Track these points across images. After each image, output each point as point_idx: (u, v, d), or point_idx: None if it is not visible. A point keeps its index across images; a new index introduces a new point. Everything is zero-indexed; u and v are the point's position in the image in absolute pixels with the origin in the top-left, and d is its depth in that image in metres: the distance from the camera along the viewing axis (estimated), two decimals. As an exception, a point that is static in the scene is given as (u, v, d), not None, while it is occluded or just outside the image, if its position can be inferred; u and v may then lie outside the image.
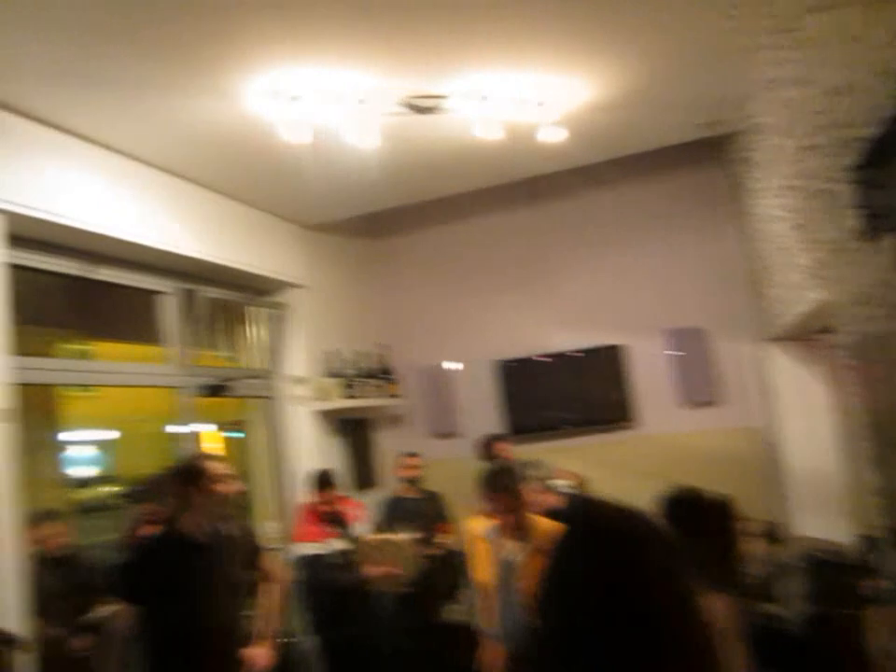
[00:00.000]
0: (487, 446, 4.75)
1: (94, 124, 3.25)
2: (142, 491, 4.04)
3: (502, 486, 2.96)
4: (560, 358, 5.66)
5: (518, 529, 2.90)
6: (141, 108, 3.16)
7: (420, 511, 4.71)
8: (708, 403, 5.31)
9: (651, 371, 5.46)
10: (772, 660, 4.13)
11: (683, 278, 5.38)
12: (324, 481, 4.11)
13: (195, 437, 4.15)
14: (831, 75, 2.20)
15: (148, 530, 3.99)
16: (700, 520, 2.25)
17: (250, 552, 3.08)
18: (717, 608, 2.09)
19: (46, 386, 5.12)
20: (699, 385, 5.31)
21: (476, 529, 3.17)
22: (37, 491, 5.08)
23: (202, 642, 2.71)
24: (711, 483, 5.20)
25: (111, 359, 4.78)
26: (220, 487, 2.82)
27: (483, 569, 3.08)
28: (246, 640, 2.94)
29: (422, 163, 4.22)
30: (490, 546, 3.05)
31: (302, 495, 4.60)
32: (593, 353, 5.57)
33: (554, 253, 5.76)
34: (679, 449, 5.22)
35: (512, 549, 2.93)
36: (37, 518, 3.81)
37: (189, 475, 2.83)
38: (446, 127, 3.67)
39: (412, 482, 4.79)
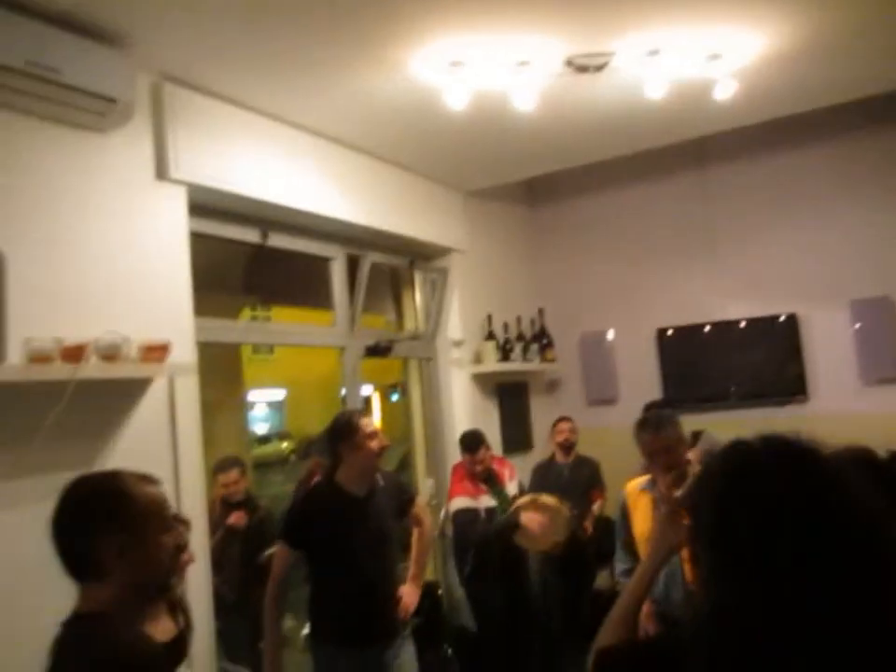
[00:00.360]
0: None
1: (270, 100, 3.44)
2: (309, 447, 4.35)
3: (664, 432, 2.77)
4: (726, 327, 5.40)
5: (681, 479, 2.74)
6: (315, 84, 3.31)
7: (573, 476, 4.71)
8: (894, 380, 4.88)
9: (829, 344, 5.09)
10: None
11: (870, 244, 4.95)
12: (473, 441, 4.20)
13: (360, 397, 4.37)
14: None
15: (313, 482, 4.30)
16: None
17: (402, 500, 3.23)
18: None
19: (228, 349, 5.60)
20: (884, 359, 4.88)
21: (634, 486, 3.04)
22: (221, 445, 5.59)
23: (358, 588, 2.89)
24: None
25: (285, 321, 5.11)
26: (369, 443, 2.94)
27: (643, 521, 2.90)
28: (399, 583, 3.15)
29: (584, 126, 4.12)
30: (651, 498, 2.87)
31: (458, 454, 4.73)
32: (764, 322, 5.27)
33: (723, 217, 5.48)
34: (858, 429, 4.78)
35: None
36: (222, 465, 4.20)
37: (340, 432, 2.98)
38: (611, 87, 3.55)
39: (565, 447, 4.81)
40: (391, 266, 4.89)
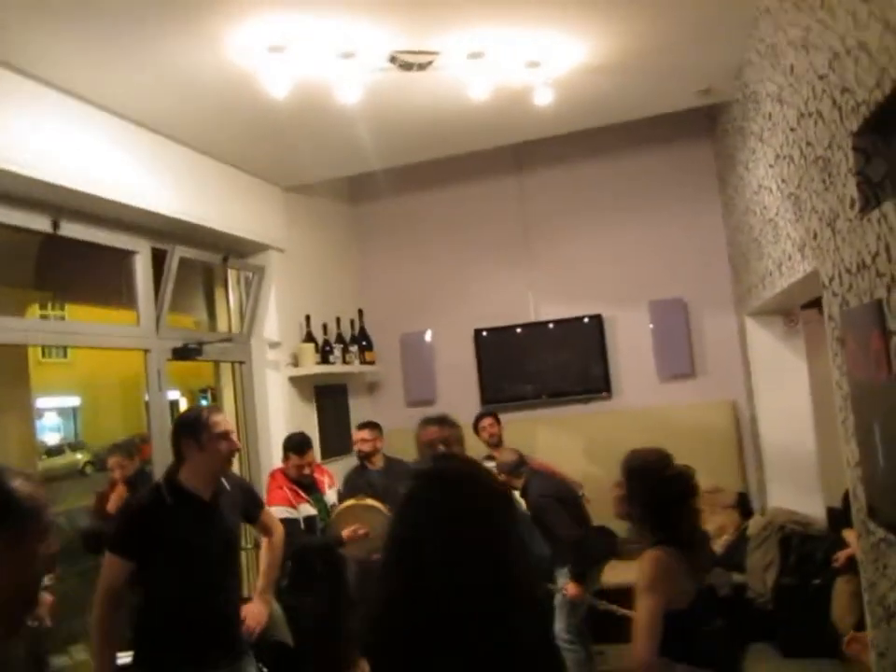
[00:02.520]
0: (474, 423, 4.71)
1: (66, 73, 3.07)
2: (112, 448, 3.99)
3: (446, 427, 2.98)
4: (539, 328, 5.63)
5: None
6: (116, 52, 2.97)
7: (386, 482, 4.64)
8: (687, 376, 5.33)
9: (630, 343, 5.46)
10: (740, 629, 4.20)
11: (667, 250, 5.37)
12: (303, 442, 4.04)
13: (166, 403, 4.05)
14: (838, 38, 2.14)
15: (118, 492, 3.93)
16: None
17: (250, 507, 2.98)
18: (647, 559, 2.16)
19: (13, 350, 4.98)
20: (678, 357, 5.31)
21: None
22: (3, 458, 4.96)
23: (198, 601, 2.60)
24: (687, 456, 5.25)
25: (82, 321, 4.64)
26: (219, 444, 2.66)
27: None
28: (243, 598, 2.91)
29: (408, 124, 4.10)
30: None
31: (275, 460, 4.54)
32: (572, 323, 5.54)
33: (537, 222, 5.71)
34: (656, 422, 5.22)
35: None
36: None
37: (186, 428, 2.67)
38: (435, 86, 3.55)
39: (362, 455, 4.62)
40: (202, 262, 4.58)
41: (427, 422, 3.02)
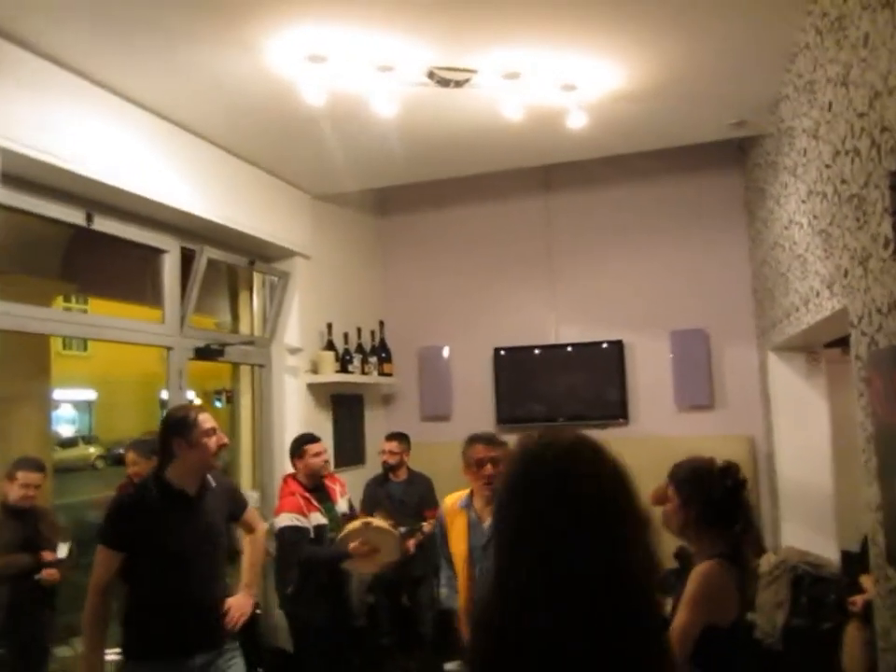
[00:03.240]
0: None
1: (108, 68, 3.12)
2: (132, 445, 4.00)
3: (496, 445, 3.01)
4: (558, 350, 5.61)
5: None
6: (158, 55, 3.04)
7: (405, 495, 4.64)
8: (705, 407, 5.28)
9: (649, 371, 5.42)
10: (747, 669, 4.13)
11: (691, 279, 5.34)
12: (312, 436, 4.06)
13: (184, 402, 4.07)
14: (879, 76, 2.14)
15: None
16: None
17: (234, 505, 3.06)
18: (700, 571, 2.12)
19: (36, 340, 5.05)
20: (697, 388, 5.27)
21: (453, 502, 3.18)
22: (17, 445, 5.01)
23: (183, 591, 2.69)
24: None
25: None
26: (207, 440, 2.75)
27: (459, 541, 3.05)
28: (229, 591, 2.96)
29: (440, 140, 4.13)
30: (467, 516, 3.06)
31: (288, 465, 4.55)
32: (592, 347, 5.52)
33: (562, 243, 5.70)
34: (672, 451, 5.08)
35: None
36: (25, 464, 3.75)
37: (174, 426, 2.76)
38: (470, 104, 3.58)
39: (387, 467, 4.68)
40: (229, 264, 4.63)
41: (475, 440, 3.07)
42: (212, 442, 2.77)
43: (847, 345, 2.81)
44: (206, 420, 2.78)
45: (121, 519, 2.73)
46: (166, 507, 2.71)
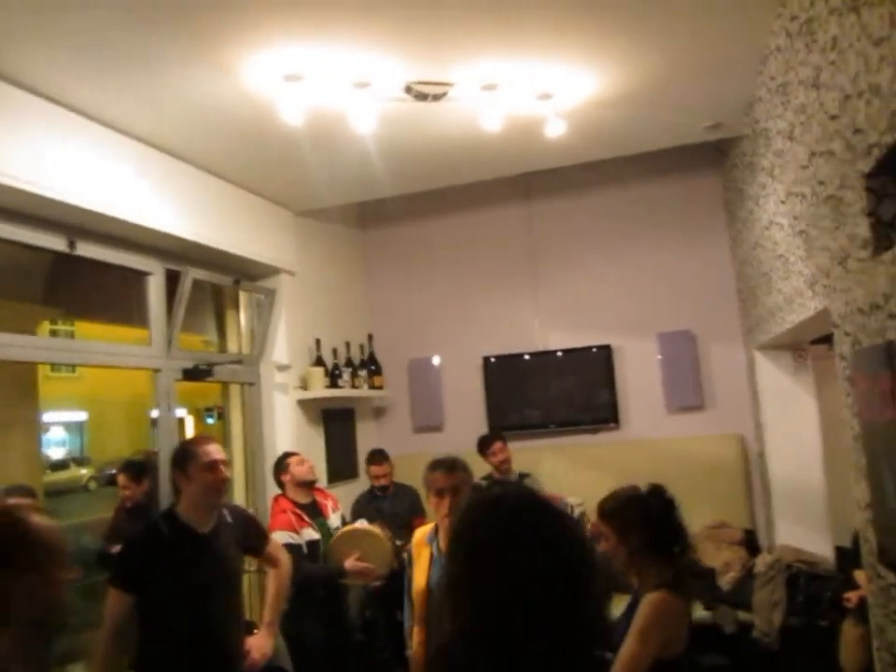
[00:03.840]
0: (484, 444, 4.71)
1: (85, 94, 3.12)
2: (121, 469, 3.98)
3: (457, 472, 2.78)
4: (547, 357, 5.62)
5: None
6: (135, 79, 3.03)
7: (394, 508, 4.65)
8: (695, 408, 5.30)
9: (638, 374, 5.44)
10: (744, 668, 4.14)
11: (676, 282, 5.37)
12: (287, 454, 4.06)
13: (174, 421, 4.06)
14: (848, 80, 2.16)
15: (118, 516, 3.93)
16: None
17: (254, 538, 2.97)
18: (649, 601, 2.10)
19: (25, 365, 5.01)
20: (687, 389, 5.29)
21: (421, 535, 2.93)
22: (7, 470, 4.97)
23: (197, 635, 2.60)
24: (694, 490, 5.22)
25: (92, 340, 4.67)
26: (206, 475, 2.66)
27: (420, 576, 2.79)
28: (248, 629, 2.89)
29: (420, 153, 4.14)
30: (431, 550, 2.82)
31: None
32: (581, 353, 5.53)
33: (546, 251, 5.72)
34: (663, 453, 5.20)
35: None
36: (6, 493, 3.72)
37: (175, 460, 2.70)
38: (448, 116, 3.60)
39: (383, 489, 4.72)
40: (214, 284, 4.62)
41: (435, 466, 2.84)
42: (208, 478, 2.66)
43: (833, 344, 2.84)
44: (207, 453, 2.68)
45: (131, 559, 2.66)
46: (177, 544, 2.62)
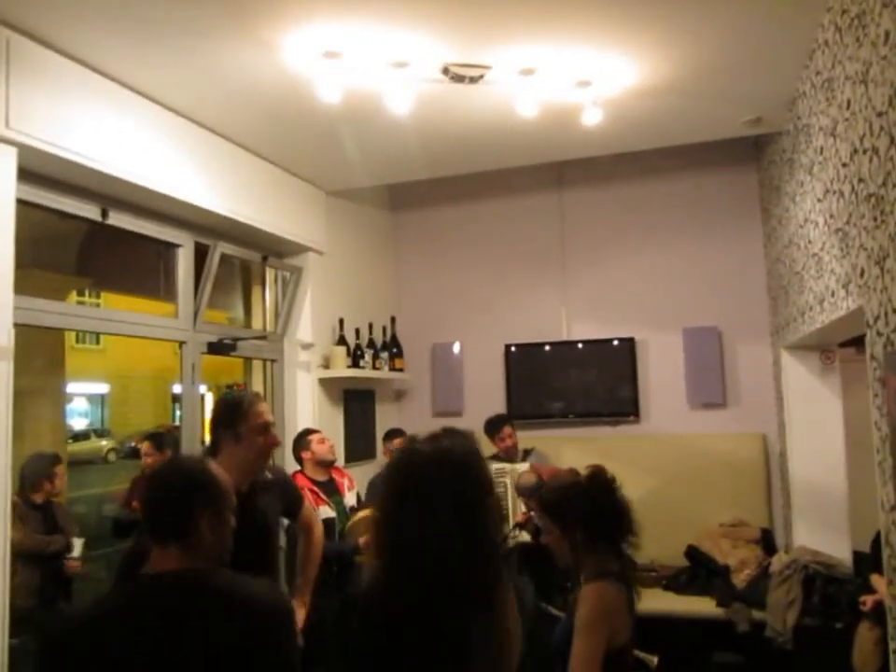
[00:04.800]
0: (494, 427, 4.70)
1: (123, 64, 3.14)
2: (143, 438, 4.04)
3: None
4: (570, 347, 5.60)
5: None
6: (174, 51, 3.05)
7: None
8: (718, 405, 5.26)
9: (662, 368, 5.41)
10: (757, 667, 4.12)
11: (706, 277, 5.32)
12: (309, 430, 4.08)
13: (198, 396, 4.09)
14: (898, 74, 2.12)
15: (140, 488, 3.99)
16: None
17: (290, 502, 2.89)
18: (589, 593, 2.05)
19: (51, 334, 5.09)
20: (710, 386, 5.25)
21: None
22: (32, 439, 5.06)
23: None
24: (713, 487, 5.18)
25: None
26: (257, 438, 2.50)
27: None
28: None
29: (455, 137, 4.13)
30: None
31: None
32: (604, 344, 5.51)
33: (575, 240, 5.69)
34: (683, 449, 5.17)
35: None
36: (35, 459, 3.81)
37: (224, 416, 2.52)
38: (484, 100, 3.57)
39: None
40: (242, 259, 4.64)
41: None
42: (260, 441, 2.52)
43: (862, 344, 2.80)
44: (260, 413, 2.52)
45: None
46: None
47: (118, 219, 3.53)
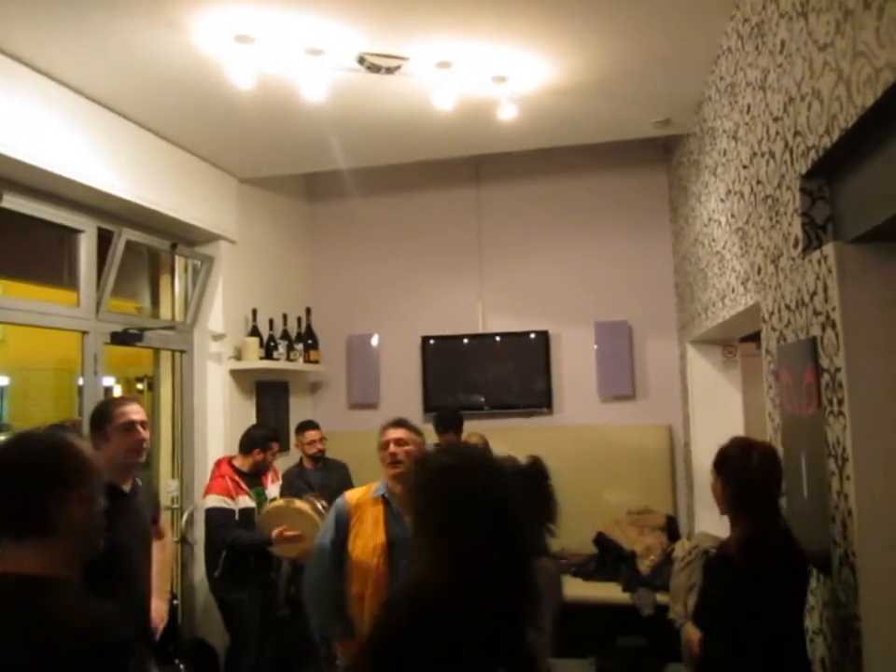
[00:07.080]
0: (447, 424, 4.74)
1: (19, 39, 2.97)
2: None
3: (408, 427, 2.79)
4: (486, 340, 5.66)
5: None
6: (76, 26, 2.89)
7: (324, 482, 4.63)
8: (627, 398, 5.42)
9: (574, 361, 5.53)
10: (660, 648, 4.27)
11: (616, 273, 5.46)
12: (266, 440, 4.05)
13: (101, 388, 3.94)
14: (794, 83, 2.22)
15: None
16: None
17: (154, 505, 3.04)
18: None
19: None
20: (620, 378, 5.40)
21: (360, 495, 2.76)
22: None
23: (123, 589, 2.47)
24: (621, 476, 5.33)
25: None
26: (122, 436, 2.59)
27: (375, 534, 2.63)
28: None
29: (370, 127, 4.09)
30: (387, 506, 2.68)
31: (211, 452, 4.54)
32: (519, 337, 5.59)
33: (491, 234, 5.74)
34: (594, 440, 5.31)
35: None
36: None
37: (92, 419, 2.66)
38: (401, 91, 3.56)
39: (322, 455, 4.70)
40: (149, 247, 4.48)
41: (385, 425, 2.78)
42: (127, 439, 2.60)
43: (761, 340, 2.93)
44: (124, 413, 2.61)
45: None
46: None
47: (13, 203, 3.35)
